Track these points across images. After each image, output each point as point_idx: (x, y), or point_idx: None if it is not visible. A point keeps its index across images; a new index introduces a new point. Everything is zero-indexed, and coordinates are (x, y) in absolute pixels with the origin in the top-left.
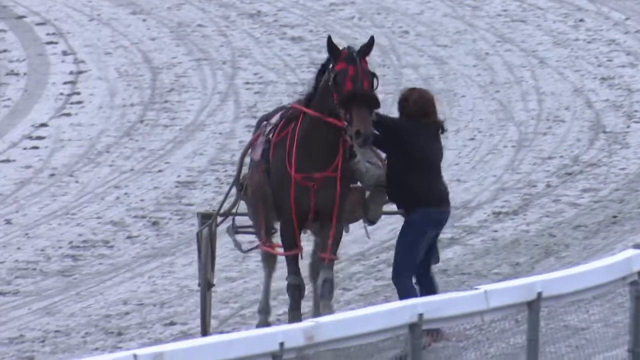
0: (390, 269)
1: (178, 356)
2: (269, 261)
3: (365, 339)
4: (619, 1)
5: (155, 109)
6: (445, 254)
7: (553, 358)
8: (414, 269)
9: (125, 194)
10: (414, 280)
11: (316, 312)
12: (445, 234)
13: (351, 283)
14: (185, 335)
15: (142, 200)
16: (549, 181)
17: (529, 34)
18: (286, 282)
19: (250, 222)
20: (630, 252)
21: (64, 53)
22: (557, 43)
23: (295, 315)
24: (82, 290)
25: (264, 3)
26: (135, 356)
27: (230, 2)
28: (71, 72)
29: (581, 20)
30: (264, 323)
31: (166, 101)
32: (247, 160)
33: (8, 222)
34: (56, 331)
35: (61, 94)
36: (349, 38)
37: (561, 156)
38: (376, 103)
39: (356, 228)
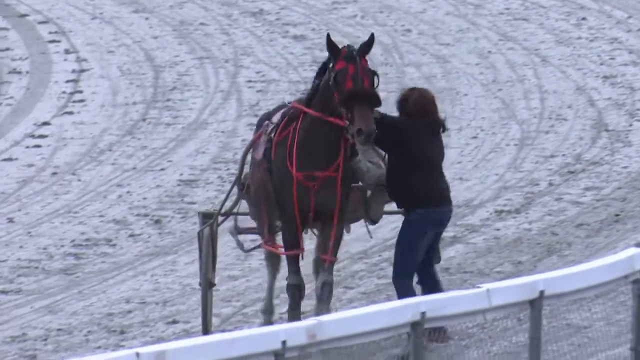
0: None
1: (180, 354)
2: (273, 261)
3: (367, 337)
4: None
5: (157, 107)
6: (447, 252)
7: (555, 356)
8: (413, 269)
9: (128, 192)
10: (415, 280)
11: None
12: (447, 233)
13: (353, 281)
14: (188, 334)
15: (144, 198)
16: (552, 179)
17: (532, 32)
18: (286, 282)
19: (252, 222)
20: (633, 251)
21: (67, 51)
22: (560, 41)
23: (294, 314)
24: (85, 289)
25: (266, 1)
26: (137, 354)
27: (233, 1)
28: (73, 71)
29: (583, 18)
30: (268, 322)
31: (169, 99)
32: (248, 158)
33: (10, 220)
34: (58, 329)
35: (63, 92)
36: (352, 36)
37: (563, 154)
38: (377, 101)
39: (358, 226)
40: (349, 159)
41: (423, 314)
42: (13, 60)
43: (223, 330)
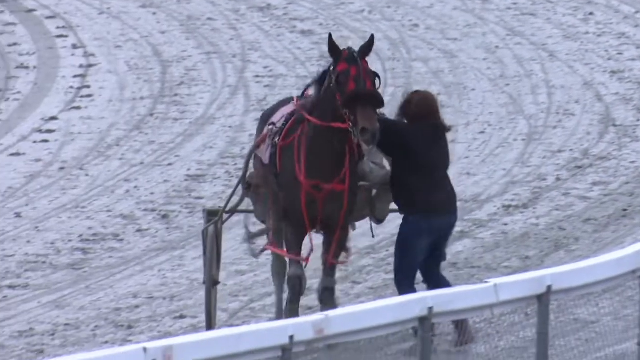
0: None
1: (188, 349)
2: (280, 275)
3: (375, 332)
4: None
5: (165, 102)
6: (455, 247)
7: (563, 351)
8: (413, 271)
9: (135, 187)
10: (421, 279)
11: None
12: (455, 227)
13: (361, 276)
14: (195, 329)
15: (152, 193)
16: (559, 174)
17: (539, 27)
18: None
19: (261, 225)
20: None
21: (74, 46)
22: (567, 36)
23: (293, 308)
24: (92, 284)
25: None
26: (145, 349)
27: None
28: (81, 66)
29: (591, 13)
30: None
31: (176, 94)
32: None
33: (18, 215)
34: (66, 324)
35: (71, 87)
36: (359, 31)
37: (571, 149)
38: (380, 102)
39: (366, 221)
40: (355, 165)
41: (430, 309)
42: (20, 55)
43: (231, 325)
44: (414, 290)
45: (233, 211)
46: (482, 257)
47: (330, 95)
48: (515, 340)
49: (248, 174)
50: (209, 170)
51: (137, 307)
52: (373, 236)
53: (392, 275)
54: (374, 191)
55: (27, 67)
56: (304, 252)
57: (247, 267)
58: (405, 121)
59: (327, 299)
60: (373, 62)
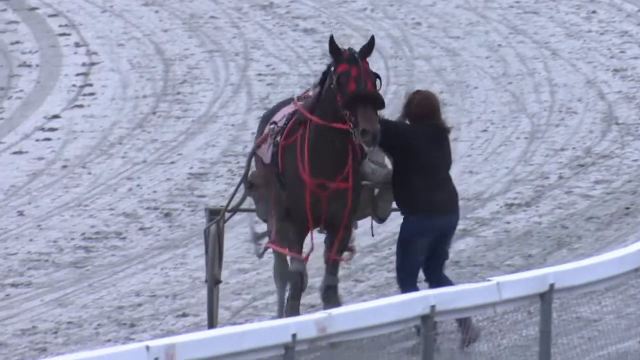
0: None
1: (190, 348)
2: (282, 278)
3: (377, 330)
4: None
5: (167, 100)
6: (457, 245)
7: (565, 349)
8: (414, 270)
9: (138, 185)
10: (423, 279)
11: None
12: (457, 227)
13: (363, 275)
14: (198, 327)
15: (154, 191)
16: (562, 173)
17: (542, 25)
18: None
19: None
20: None
21: (77, 45)
22: (570, 35)
23: (294, 305)
24: (95, 282)
25: None
26: (147, 348)
27: None
28: (84, 64)
29: (594, 11)
30: None
31: (178, 93)
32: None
33: (20, 213)
34: (69, 322)
35: (74, 85)
36: (362, 30)
37: (574, 148)
38: (381, 103)
39: (369, 219)
40: (358, 164)
41: (433, 307)
42: (23, 54)
43: (233, 324)
44: (416, 289)
45: (235, 210)
46: (485, 255)
47: (331, 95)
48: (518, 338)
49: (250, 172)
50: (212, 169)
51: (139, 305)
52: (372, 235)
53: (394, 274)
54: (376, 190)
55: (29, 66)
56: (305, 250)
57: (249, 266)
58: (408, 121)
59: (330, 297)
60: (375, 60)
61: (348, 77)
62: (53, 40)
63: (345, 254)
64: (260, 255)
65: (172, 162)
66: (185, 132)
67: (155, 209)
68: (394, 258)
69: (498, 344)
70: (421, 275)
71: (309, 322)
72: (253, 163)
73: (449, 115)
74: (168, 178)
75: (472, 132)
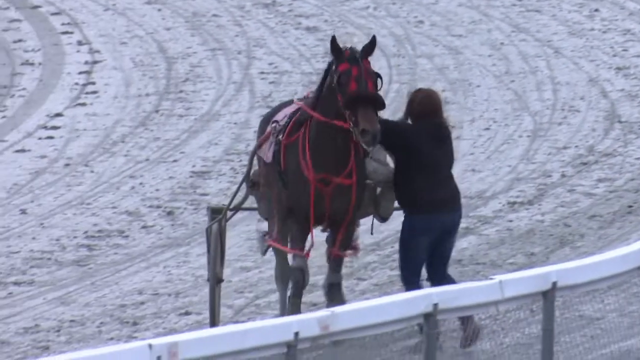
0: None
1: (193, 346)
2: (283, 278)
3: (380, 328)
4: None
5: (170, 98)
6: (460, 243)
7: (568, 348)
8: (417, 268)
9: (141, 183)
10: (426, 277)
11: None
12: (459, 225)
13: (366, 273)
14: (200, 325)
15: (157, 190)
16: (564, 171)
17: (544, 23)
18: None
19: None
20: None
21: (79, 43)
22: (572, 33)
23: (295, 303)
24: (97, 280)
25: None
26: (150, 346)
27: None
28: (86, 62)
29: (596, 10)
30: None
31: (181, 91)
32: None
33: (23, 212)
34: (71, 321)
35: (76, 83)
36: (364, 28)
37: (576, 146)
38: (381, 103)
39: (369, 218)
40: (361, 160)
41: (435, 305)
42: (26, 52)
43: (236, 322)
44: (419, 287)
45: (237, 209)
46: (487, 253)
47: (331, 94)
48: (521, 336)
49: (252, 171)
50: (214, 167)
51: (142, 303)
52: (372, 233)
53: (397, 272)
54: (379, 189)
55: (32, 64)
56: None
57: (252, 264)
58: (410, 120)
59: (334, 295)
60: (378, 59)
61: (349, 77)
62: (56, 39)
63: (349, 251)
64: (264, 253)
65: (175, 161)
66: (188, 131)
67: (158, 207)
68: (396, 256)
69: (500, 342)
70: (424, 273)
71: (311, 320)
72: (255, 162)
73: (451, 114)
74: (171, 176)
75: (475, 131)
